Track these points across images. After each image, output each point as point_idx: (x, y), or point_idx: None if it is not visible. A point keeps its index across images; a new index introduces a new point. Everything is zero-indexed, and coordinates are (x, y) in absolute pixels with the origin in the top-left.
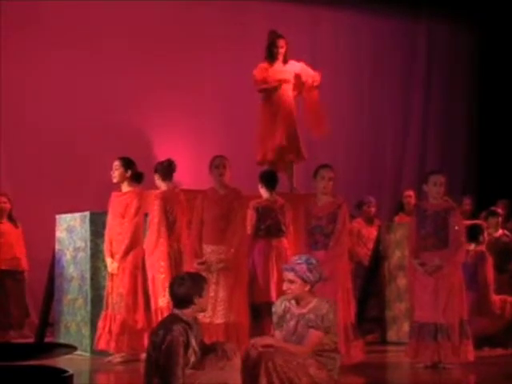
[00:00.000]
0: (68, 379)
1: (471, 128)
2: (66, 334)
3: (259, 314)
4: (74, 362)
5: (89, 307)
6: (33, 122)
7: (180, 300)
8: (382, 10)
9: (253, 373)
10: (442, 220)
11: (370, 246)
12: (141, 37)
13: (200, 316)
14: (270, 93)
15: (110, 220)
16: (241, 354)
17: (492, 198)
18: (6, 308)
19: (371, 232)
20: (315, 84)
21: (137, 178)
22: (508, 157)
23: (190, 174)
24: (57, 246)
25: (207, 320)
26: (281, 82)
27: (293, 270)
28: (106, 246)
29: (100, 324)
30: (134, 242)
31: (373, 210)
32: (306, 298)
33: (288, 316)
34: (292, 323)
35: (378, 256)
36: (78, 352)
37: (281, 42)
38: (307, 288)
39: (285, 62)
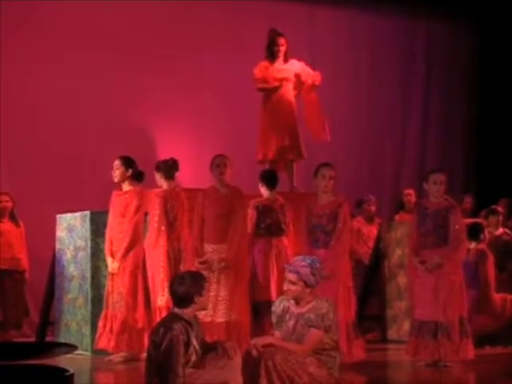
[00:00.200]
0: (69, 378)
1: (471, 126)
2: (67, 333)
3: (259, 312)
4: (74, 361)
5: (89, 306)
6: (33, 122)
7: (180, 299)
8: (381, 9)
9: (253, 372)
10: (443, 218)
11: (371, 244)
12: (141, 37)
13: (201, 315)
14: (270, 92)
15: (111, 219)
16: (241, 353)
17: (492, 196)
18: (4, 308)
19: (371, 230)
20: (316, 83)
21: (137, 177)
22: (508, 155)
23: (191, 173)
24: (57, 246)
25: (208, 319)
26: (282, 81)
27: (297, 272)
28: (106, 246)
29: (100, 323)
30: (134, 241)
31: (373, 208)
32: (305, 297)
33: (287, 316)
34: (291, 323)
35: (379, 254)
36: (79, 351)
37: (281, 41)
38: (308, 290)
39: (285, 60)
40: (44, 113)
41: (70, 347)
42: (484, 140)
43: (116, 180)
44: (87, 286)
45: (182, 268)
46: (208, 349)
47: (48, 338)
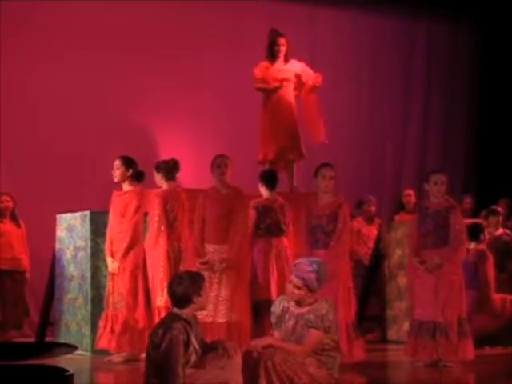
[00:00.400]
0: (68, 378)
1: (471, 127)
2: (67, 333)
3: (259, 312)
4: (74, 362)
5: (89, 306)
6: (33, 122)
7: (179, 299)
8: (382, 10)
9: (253, 372)
10: (443, 219)
11: (371, 244)
12: (141, 37)
13: (202, 315)
14: (270, 92)
15: (111, 219)
16: (241, 354)
17: (492, 196)
18: (4, 308)
19: (371, 231)
20: (317, 85)
21: (138, 177)
22: (508, 156)
23: (191, 173)
24: (57, 246)
25: (209, 319)
26: (282, 81)
27: (302, 278)
28: (106, 246)
29: (101, 323)
30: (134, 241)
31: (373, 208)
32: (306, 299)
33: (287, 316)
34: (291, 323)
35: (379, 255)
36: (79, 351)
37: (281, 41)
38: (310, 294)
39: (286, 60)
40: (44, 113)
41: (70, 347)
42: (484, 140)
43: (116, 180)
44: (87, 286)
45: (182, 268)
46: (208, 349)
47: (48, 339)
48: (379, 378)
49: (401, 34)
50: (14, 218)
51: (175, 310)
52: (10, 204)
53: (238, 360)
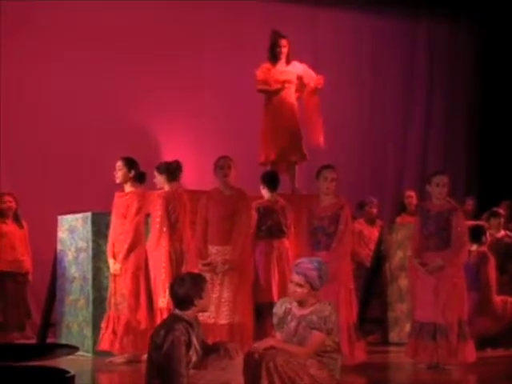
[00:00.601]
0: (70, 380)
1: (473, 128)
2: (68, 334)
3: (261, 314)
4: (75, 363)
5: (90, 308)
6: (33, 122)
7: (180, 301)
8: (383, 11)
9: (254, 374)
10: (445, 221)
11: (372, 246)
12: (141, 37)
13: (204, 316)
14: (272, 94)
15: (113, 221)
16: (243, 355)
17: (494, 198)
18: (6, 310)
19: (373, 232)
20: (318, 87)
21: (139, 178)
22: (510, 157)
23: (192, 174)
24: (58, 247)
25: (211, 321)
26: (284, 83)
27: (304, 275)
28: (108, 247)
29: (103, 324)
30: (136, 242)
31: (374, 210)
32: (309, 300)
33: (289, 317)
34: (293, 324)
35: (380, 256)
36: (80, 352)
37: (283, 42)
38: (313, 293)
39: (287, 62)
40: (44, 113)
41: (72, 348)
42: (486, 142)
43: (118, 181)
44: (88, 287)
45: (185, 269)
46: (209, 350)
47: (49, 340)
48: (380, 380)
49: (401, 34)
50: (17, 219)
51: (177, 311)
52: (13, 204)
53: (239, 361)
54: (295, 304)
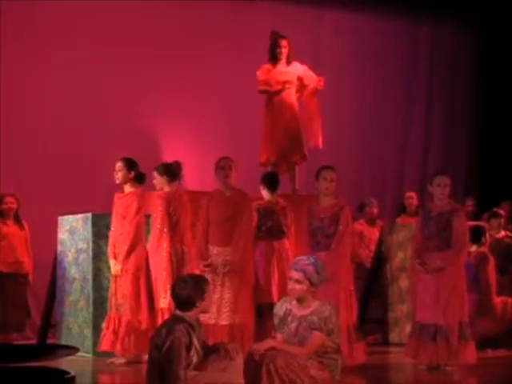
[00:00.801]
0: (70, 380)
1: (473, 129)
2: (68, 335)
3: (261, 315)
4: (75, 364)
5: (91, 308)
6: (33, 123)
7: (182, 302)
8: (384, 11)
9: (255, 375)
10: (446, 222)
11: (372, 247)
12: (142, 37)
13: (205, 317)
14: (273, 94)
15: (114, 222)
16: (244, 356)
17: (494, 199)
18: (5, 311)
19: (373, 233)
20: (319, 88)
21: (139, 179)
22: (510, 158)
23: (192, 175)
24: (59, 248)
25: (212, 321)
26: (285, 84)
27: (302, 271)
28: (109, 248)
29: (104, 325)
30: (136, 243)
31: (375, 210)
32: (307, 299)
33: (289, 318)
34: (293, 325)
35: (380, 257)
36: (80, 353)
37: (283, 42)
38: (312, 290)
39: (288, 62)
40: (44, 114)
41: (72, 349)
42: (486, 143)
43: (118, 182)
44: (89, 288)
45: (186, 270)
46: (210, 351)
47: (49, 341)
48: (380, 381)
49: (402, 35)
50: (18, 220)
51: (178, 312)
52: (14, 205)
53: (239, 362)
54: (295, 304)
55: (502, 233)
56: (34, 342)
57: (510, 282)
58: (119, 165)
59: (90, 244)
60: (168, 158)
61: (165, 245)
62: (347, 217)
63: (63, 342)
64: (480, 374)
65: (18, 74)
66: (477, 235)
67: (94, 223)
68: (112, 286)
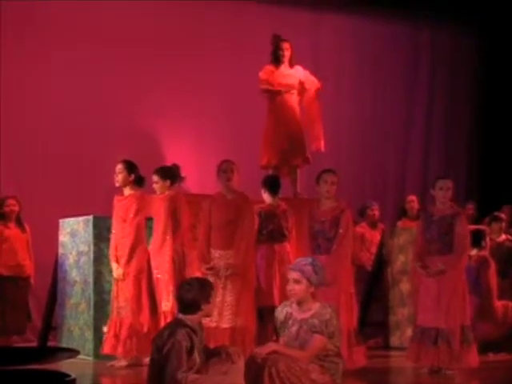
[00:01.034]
0: (71, 383)
1: (474, 132)
2: (69, 337)
3: (263, 318)
4: (76, 366)
5: (91, 311)
6: (33, 123)
7: (187, 306)
8: (384, 14)
9: (256, 379)
10: (448, 225)
11: (373, 250)
12: (142, 37)
13: (206, 320)
14: (275, 96)
15: (114, 225)
16: (245, 359)
17: (495, 203)
18: (6, 313)
19: (375, 236)
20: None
21: (139, 182)
22: (511, 161)
23: (194, 177)
24: (60, 250)
25: (213, 324)
26: (287, 87)
27: (300, 270)
28: (111, 251)
29: (106, 328)
30: (137, 245)
31: (376, 213)
32: (308, 302)
33: (290, 321)
34: (294, 328)
35: (382, 260)
36: (81, 356)
37: (285, 45)
38: (311, 290)
39: (290, 65)
40: (45, 115)
41: (72, 352)
42: (487, 146)
43: (118, 184)
44: (90, 290)
45: (187, 273)
46: (211, 354)
47: (50, 343)
48: None
49: (403, 38)
50: (19, 223)
51: (180, 315)
52: (16, 208)
53: (240, 365)
54: (296, 308)
55: (503, 236)
56: (34, 344)
57: (510, 285)
58: (119, 167)
59: (91, 247)
60: (168, 158)
61: (168, 247)
62: (348, 220)
63: (64, 345)
64: (481, 377)
65: (18, 74)
66: (477, 239)
67: (95, 226)
68: (114, 289)
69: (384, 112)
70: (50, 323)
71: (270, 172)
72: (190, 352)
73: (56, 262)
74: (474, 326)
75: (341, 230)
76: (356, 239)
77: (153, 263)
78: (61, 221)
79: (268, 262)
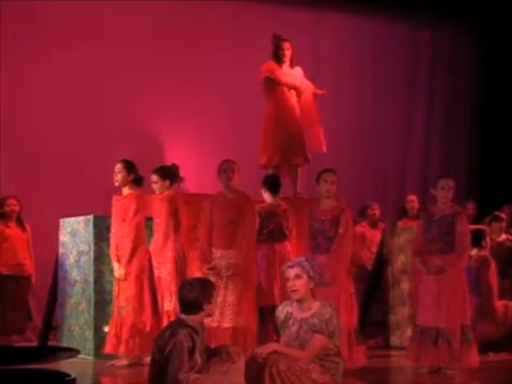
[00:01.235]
0: (71, 383)
1: (474, 131)
2: (69, 337)
3: (263, 318)
4: (76, 366)
5: (92, 311)
6: (34, 124)
7: (189, 306)
8: (384, 14)
9: (257, 378)
10: (449, 225)
11: (374, 249)
12: (142, 37)
13: (207, 320)
14: (275, 91)
15: (114, 224)
16: (246, 359)
17: (495, 202)
18: (6, 313)
19: (375, 235)
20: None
21: (138, 182)
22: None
23: (194, 177)
24: (60, 250)
25: (215, 324)
26: (288, 85)
27: (300, 265)
28: (111, 251)
29: (108, 328)
30: (138, 244)
31: (377, 212)
32: (308, 301)
33: (290, 321)
34: (294, 328)
35: (382, 260)
36: (81, 355)
37: (286, 45)
38: (311, 286)
39: (291, 65)
40: (45, 115)
41: (73, 351)
42: (487, 145)
43: (117, 184)
44: (90, 290)
45: (187, 272)
46: (212, 354)
47: (50, 343)
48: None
49: (403, 37)
50: (20, 222)
51: (182, 316)
52: (17, 208)
53: (241, 365)
54: (296, 307)
55: (504, 236)
56: (35, 344)
57: (511, 285)
58: (119, 167)
59: (92, 246)
60: (168, 158)
61: (170, 247)
62: (347, 219)
63: (64, 345)
64: (482, 377)
65: (18, 74)
66: (477, 239)
67: (96, 225)
68: (115, 288)
69: (384, 111)
70: (51, 323)
71: (271, 171)
72: (192, 352)
73: (56, 261)
74: (474, 325)
75: (340, 230)
76: (356, 239)
77: (155, 263)
78: (61, 220)
79: (268, 261)
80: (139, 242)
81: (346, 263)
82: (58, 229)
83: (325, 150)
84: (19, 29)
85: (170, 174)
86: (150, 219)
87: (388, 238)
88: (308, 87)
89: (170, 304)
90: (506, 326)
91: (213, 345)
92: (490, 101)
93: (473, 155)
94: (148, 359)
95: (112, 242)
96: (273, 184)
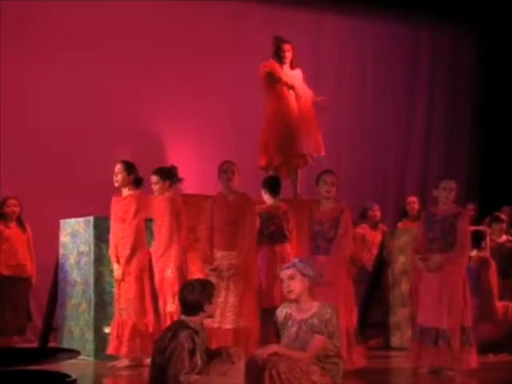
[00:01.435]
0: None
1: (475, 132)
2: (70, 338)
3: (264, 319)
4: (77, 367)
5: (92, 312)
6: (34, 124)
7: (190, 307)
8: (384, 15)
9: (257, 380)
10: (450, 225)
11: (374, 251)
12: (142, 37)
13: (209, 321)
14: (275, 89)
15: (113, 225)
16: (246, 360)
17: (496, 203)
18: (6, 314)
19: (376, 236)
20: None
21: (137, 182)
22: None
23: (194, 177)
24: (60, 251)
25: (216, 325)
26: (288, 86)
27: (293, 266)
28: (111, 252)
29: (109, 330)
30: (138, 245)
31: (377, 213)
32: (307, 302)
33: (289, 322)
34: (294, 329)
35: (382, 261)
36: (82, 356)
37: (287, 47)
38: (307, 284)
39: (292, 67)
40: (45, 116)
41: (73, 352)
42: (488, 147)
43: (117, 185)
44: (90, 291)
45: (188, 273)
46: (212, 355)
47: (51, 344)
48: None
49: (403, 38)
50: (20, 223)
51: (183, 317)
52: (17, 208)
53: (241, 366)
54: (295, 308)
55: (504, 237)
56: (35, 345)
57: (511, 286)
58: (119, 167)
59: (92, 247)
60: (169, 158)
61: (173, 248)
62: (347, 221)
63: (65, 346)
64: (482, 378)
65: (18, 74)
66: (477, 240)
67: (96, 226)
68: (116, 290)
69: (384, 111)
70: (51, 324)
71: (271, 173)
72: (192, 354)
73: (57, 262)
74: (474, 326)
75: (340, 231)
76: (357, 240)
77: (157, 265)
78: (61, 221)
79: (269, 263)
80: (139, 243)
81: (345, 264)
82: (59, 230)
83: (324, 153)
84: (19, 29)
85: (169, 174)
86: (150, 220)
87: (388, 239)
88: (306, 94)
89: (173, 305)
90: (506, 327)
91: (214, 346)
92: (490, 101)
93: (473, 155)
94: (148, 360)
95: (111, 242)
96: (273, 185)
